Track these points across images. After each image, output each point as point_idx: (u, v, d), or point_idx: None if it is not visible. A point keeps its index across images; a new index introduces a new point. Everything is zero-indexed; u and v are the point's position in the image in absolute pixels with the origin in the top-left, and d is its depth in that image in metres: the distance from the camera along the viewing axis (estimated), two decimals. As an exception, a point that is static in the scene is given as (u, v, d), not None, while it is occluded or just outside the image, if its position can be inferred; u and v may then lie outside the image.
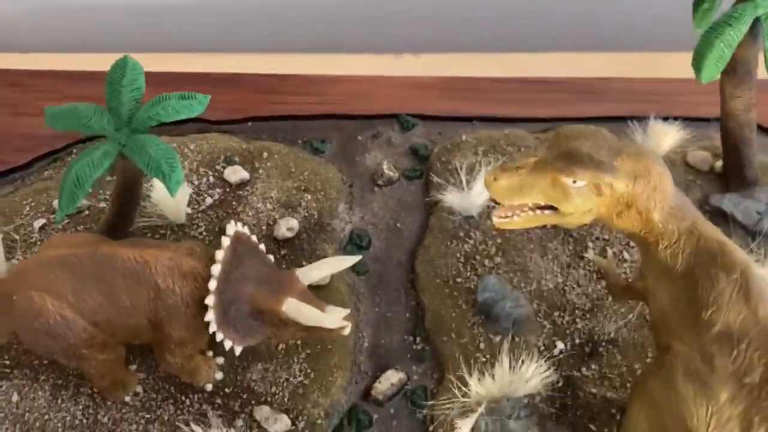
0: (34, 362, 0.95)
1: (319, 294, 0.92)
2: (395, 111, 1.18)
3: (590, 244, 1.02)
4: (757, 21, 0.83)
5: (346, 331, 0.87)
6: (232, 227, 0.83)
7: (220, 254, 0.80)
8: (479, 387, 0.87)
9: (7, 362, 0.95)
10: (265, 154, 1.13)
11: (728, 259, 0.66)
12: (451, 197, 1.03)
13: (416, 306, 1.00)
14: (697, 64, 0.85)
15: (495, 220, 0.76)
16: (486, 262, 1.01)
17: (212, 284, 0.79)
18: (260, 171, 1.11)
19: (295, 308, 0.81)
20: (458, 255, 1.02)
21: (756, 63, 0.89)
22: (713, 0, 0.86)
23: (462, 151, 1.10)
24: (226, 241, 0.81)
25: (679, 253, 0.69)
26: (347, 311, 0.83)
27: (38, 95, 1.23)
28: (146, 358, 0.94)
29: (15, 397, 0.92)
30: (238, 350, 0.83)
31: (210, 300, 0.79)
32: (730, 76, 0.92)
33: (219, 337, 0.81)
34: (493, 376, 0.88)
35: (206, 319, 0.79)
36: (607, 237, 1.03)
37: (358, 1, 1.46)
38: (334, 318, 0.81)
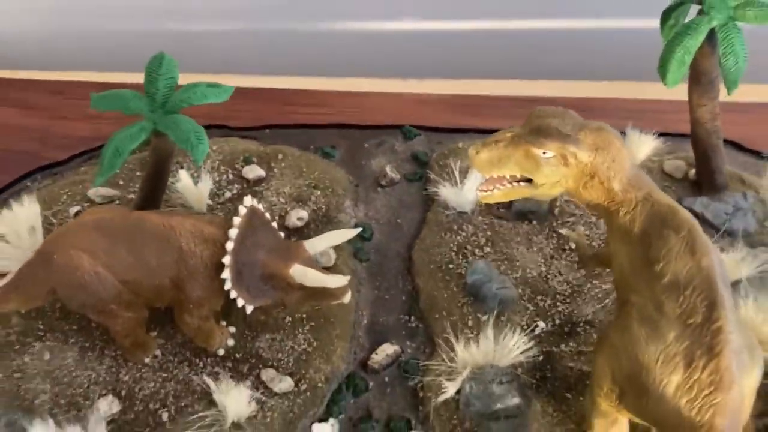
0: (65, 328, 1.05)
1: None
2: (399, 123, 1.30)
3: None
4: (713, 32, 0.95)
5: (347, 299, 0.97)
6: (249, 200, 0.94)
7: (237, 220, 0.91)
8: (465, 354, 0.96)
9: (41, 326, 1.05)
10: (280, 156, 1.25)
11: (677, 220, 0.76)
12: (446, 193, 1.14)
13: (412, 290, 1.10)
14: (662, 70, 0.96)
15: (479, 194, 0.86)
16: (476, 251, 1.11)
17: (229, 245, 0.89)
18: (275, 170, 1.23)
19: (301, 272, 0.91)
20: (451, 245, 1.12)
21: (717, 73, 1.00)
22: (677, 17, 0.98)
23: (458, 156, 1.21)
24: (243, 210, 0.92)
25: (636, 218, 0.79)
26: (348, 278, 0.93)
27: (76, 102, 1.37)
28: (165, 327, 1.04)
29: (47, 356, 1.02)
30: (249, 309, 0.93)
31: (227, 260, 0.89)
32: (696, 86, 1.04)
33: (233, 294, 0.91)
34: (478, 345, 0.97)
35: (222, 276, 0.89)
36: (588, 233, 1.13)
37: (370, 32, 1.60)
38: (336, 278, 0.91)
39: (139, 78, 0.97)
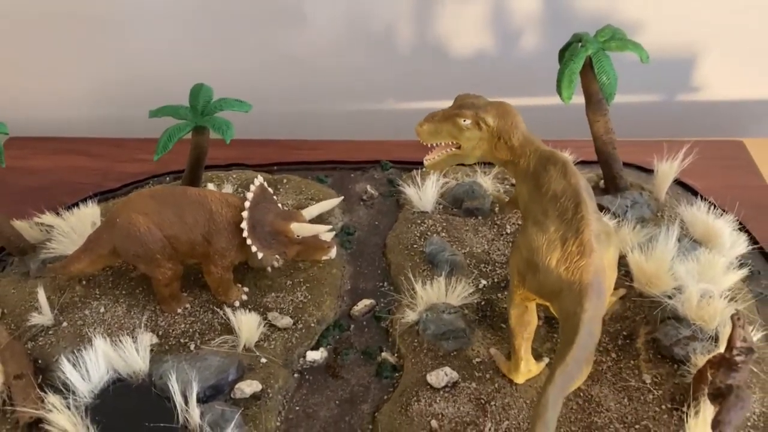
0: (116, 292, 1.35)
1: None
2: (378, 159, 1.67)
3: (508, 228, 1.45)
4: (591, 60, 1.33)
5: (333, 253, 1.29)
6: (260, 179, 1.29)
7: (252, 187, 1.25)
8: (423, 293, 1.26)
9: (98, 292, 1.35)
10: (285, 181, 1.60)
11: (555, 158, 1.10)
12: (411, 195, 1.49)
13: (385, 266, 1.41)
14: (558, 89, 1.33)
15: (425, 161, 1.21)
16: (434, 236, 1.43)
17: (247, 204, 1.23)
18: (281, 189, 1.58)
19: (298, 226, 1.24)
20: (416, 232, 1.44)
21: (602, 94, 1.37)
22: (569, 54, 1.36)
23: (422, 175, 1.56)
24: (257, 182, 1.27)
25: (531, 163, 1.12)
26: (332, 229, 1.26)
27: (129, 151, 1.75)
28: (194, 290, 1.35)
29: (102, 310, 1.31)
30: (259, 255, 1.24)
31: (245, 214, 1.22)
32: (589, 105, 1.40)
33: (249, 241, 1.23)
34: (433, 287, 1.27)
35: (241, 226, 1.22)
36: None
37: (358, 111, 2.01)
38: (324, 227, 1.24)
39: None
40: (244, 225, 1.22)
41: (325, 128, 1.94)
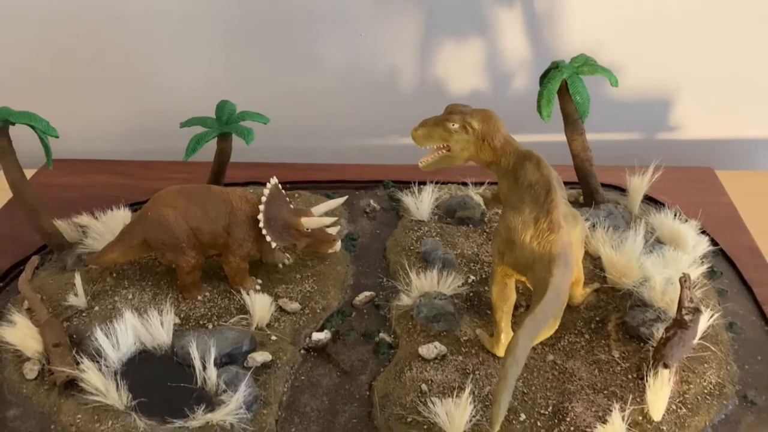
0: (143, 283, 1.50)
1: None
2: (381, 179, 1.85)
3: (496, 233, 1.61)
4: (566, 83, 1.52)
5: (338, 247, 1.45)
6: (274, 180, 1.46)
7: (269, 185, 1.42)
8: (417, 282, 1.42)
9: (126, 283, 1.50)
10: (297, 195, 1.78)
11: (530, 155, 1.26)
12: (409, 204, 1.66)
13: (385, 265, 1.57)
14: (538, 108, 1.52)
15: (420, 164, 1.38)
16: (429, 239, 1.59)
17: (263, 200, 1.40)
18: (292, 203, 1.75)
19: (308, 220, 1.41)
20: (413, 237, 1.61)
21: (578, 114, 1.56)
22: (549, 77, 1.55)
23: (419, 189, 1.73)
24: (272, 182, 1.44)
25: (510, 161, 1.29)
26: (337, 219, 1.43)
27: (157, 171, 1.94)
28: (213, 281, 1.50)
29: (130, 296, 1.46)
30: (273, 245, 1.41)
31: (261, 208, 1.39)
32: (567, 125, 1.58)
33: (264, 232, 1.39)
34: (426, 278, 1.43)
35: (258, 217, 1.39)
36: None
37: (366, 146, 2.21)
38: (332, 219, 1.41)
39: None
40: (260, 218, 1.39)
41: (335, 160, 2.13)
